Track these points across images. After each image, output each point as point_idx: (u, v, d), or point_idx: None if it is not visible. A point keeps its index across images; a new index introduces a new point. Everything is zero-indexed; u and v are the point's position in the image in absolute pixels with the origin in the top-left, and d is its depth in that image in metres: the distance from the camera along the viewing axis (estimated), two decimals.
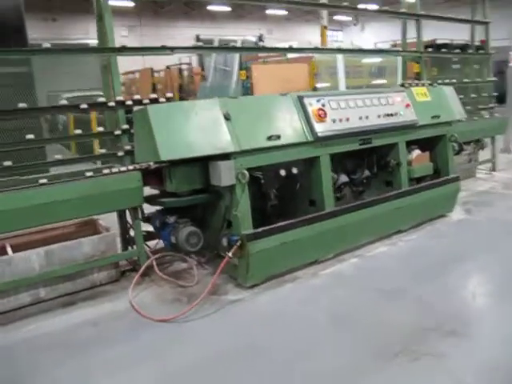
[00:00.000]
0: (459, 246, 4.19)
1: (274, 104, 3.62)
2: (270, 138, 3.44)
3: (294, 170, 3.65)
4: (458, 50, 9.00)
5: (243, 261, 3.44)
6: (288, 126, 3.58)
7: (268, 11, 21.54)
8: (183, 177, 3.48)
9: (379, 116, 4.11)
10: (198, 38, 19.40)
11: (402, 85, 5.38)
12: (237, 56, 11.22)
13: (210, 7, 20.02)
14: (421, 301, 3.18)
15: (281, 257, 3.59)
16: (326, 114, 3.74)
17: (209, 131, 3.28)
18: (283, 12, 21.78)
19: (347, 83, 11.24)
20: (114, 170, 3.52)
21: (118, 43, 3.77)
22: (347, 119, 3.88)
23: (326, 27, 12.23)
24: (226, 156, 3.31)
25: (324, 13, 12.48)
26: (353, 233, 4.04)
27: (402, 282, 3.50)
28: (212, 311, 3.20)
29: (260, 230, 3.44)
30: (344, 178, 4.21)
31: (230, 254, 3.32)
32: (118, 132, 3.67)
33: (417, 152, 4.74)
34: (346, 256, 4.05)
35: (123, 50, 3.76)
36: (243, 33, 20.34)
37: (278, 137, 3.48)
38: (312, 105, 3.73)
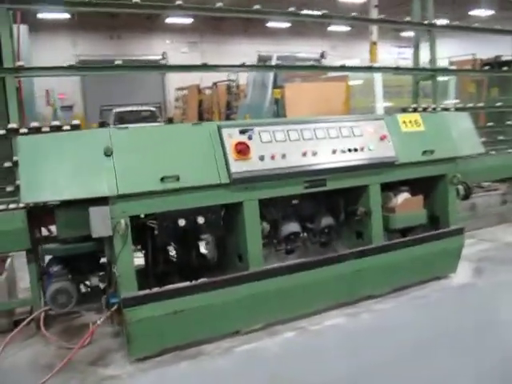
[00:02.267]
0: (446, 326, 3.06)
1: (181, 137, 2.86)
2: (163, 180, 2.70)
3: (200, 220, 2.85)
4: None
5: (124, 329, 2.73)
6: (195, 165, 2.78)
7: (330, 28, 20.63)
8: (67, 221, 2.85)
9: (335, 151, 3.16)
10: (258, 55, 19.11)
11: (404, 109, 4.37)
12: (271, 73, 10.54)
13: (269, 24, 19.59)
14: None
15: (179, 327, 2.78)
16: (248, 149, 2.88)
17: (86, 170, 2.61)
18: (346, 28, 20.74)
19: (391, 103, 10.08)
20: None
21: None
22: (283, 156, 2.97)
23: (375, 43, 11.17)
24: (104, 200, 2.64)
25: (374, 28, 11.48)
26: (292, 299, 3.11)
27: (340, 379, 2.57)
28: None
29: (142, 293, 2.70)
30: (293, 227, 3.31)
31: (99, 321, 2.64)
32: (8, 164, 3.15)
33: (404, 196, 3.68)
34: (281, 327, 3.11)
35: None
36: (304, 49, 19.65)
37: (177, 178, 2.72)
38: (232, 137, 2.91)
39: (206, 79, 16.52)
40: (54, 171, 2.60)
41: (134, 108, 14.98)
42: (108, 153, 2.62)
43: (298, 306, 3.17)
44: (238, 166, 2.84)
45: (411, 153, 3.48)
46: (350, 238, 3.56)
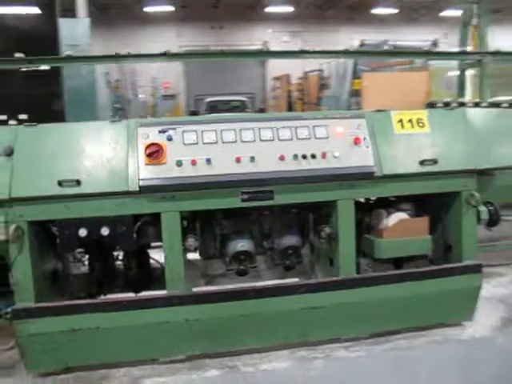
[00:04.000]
0: None
1: (95, 136, 2.46)
2: (61, 184, 2.35)
3: (105, 231, 2.43)
4: None
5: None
6: (103, 169, 2.36)
7: (444, 13, 18.26)
8: None
9: (283, 158, 2.48)
10: (362, 44, 17.83)
11: (431, 104, 3.43)
12: (349, 62, 9.57)
13: (374, 10, 18.06)
14: None
15: (78, 346, 2.43)
16: (161, 152, 2.37)
17: None
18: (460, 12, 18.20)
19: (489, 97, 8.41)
20: None
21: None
22: (208, 161, 2.39)
23: (475, 27, 9.41)
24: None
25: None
26: (222, 331, 2.56)
27: None
28: None
29: (35, 306, 2.39)
30: (244, 246, 2.73)
31: None
32: None
33: (399, 216, 2.82)
34: (209, 362, 2.57)
35: None
36: (414, 37, 17.79)
37: (77, 182, 2.35)
38: (148, 137, 2.43)
39: (307, 68, 15.90)
40: None
41: (225, 98, 15.00)
42: (8, 152, 2.36)
43: (231, 340, 2.60)
44: (148, 172, 2.36)
45: (403, 162, 2.62)
46: (325, 264, 2.87)
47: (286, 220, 2.83)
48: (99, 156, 2.41)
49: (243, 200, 2.49)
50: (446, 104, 3.38)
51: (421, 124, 2.72)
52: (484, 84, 3.58)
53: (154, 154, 2.35)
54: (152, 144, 2.36)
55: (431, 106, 3.38)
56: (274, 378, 2.49)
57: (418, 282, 2.71)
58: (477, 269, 2.76)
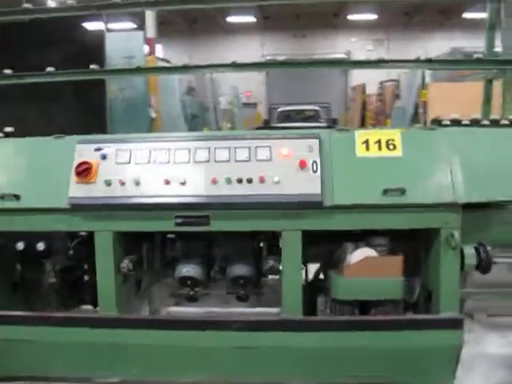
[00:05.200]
0: None
1: (41, 151, 2.41)
2: (3, 198, 2.36)
3: (40, 246, 2.39)
4: None
5: None
6: (43, 185, 2.32)
7: None
8: None
9: (215, 181, 2.23)
10: (453, 51, 16.43)
11: (436, 121, 2.92)
12: (418, 72, 8.76)
13: (466, 15, 16.44)
14: None
15: (14, 357, 2.42)
16: (90, 170, 2.24)
17: None
18: None
19: None
20: None
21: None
22: (136, 182, 2.24)
23: None
24: None
25: None
26: (143, 358, 2.37)
27: None
28: None
29: None
30: (190, 271, 2.49)
31: None
32: None
33: (365, 253, 2.40)
34: None
35: None
36: None
37: (16, 197, 2.34)
38: (83, 155, 2.33)
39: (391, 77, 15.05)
40: None
41: (298, 107, 14.78)
42: None
43: (151, 370, 2.41)
44: (78, 190, 2.27)
45: (361, 191, 2.22)
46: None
47: (240, 248, 2.57)
48: (39, 172, 2.38)
49: (177, 224, 2.29)
50: (454, 121, 2.86)
51: (391, 146, 2.29)
52: (507, 97, 2.92)
53: (84, 172, 2.26)
54: (82, 163, 2.27)
55: (436, 122, 2.89)
56: None
57: (377, 332, 2.28)
58: (455, 324, 2.24)
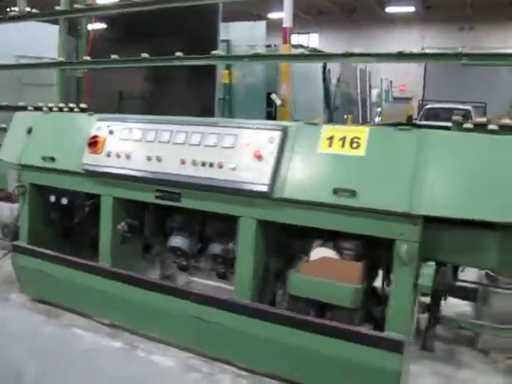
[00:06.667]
0: None
1: (79, 125, 2.92)
2: (44, 159, 2.94)
3: (64, 200, 2.93)
4: None
5: None
6: (72, 151, 2.84)
7: None
8: None
9: (184, 162, 2.39)
10: None
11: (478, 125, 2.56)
12: None
13: None
14: None
15: (51, 286, 3.03)
16: (98, 143, 2.65)
17: (20, 142, 3.17)
18: None
19: None
20: None
21: None
22: (127, 156, 2.56)
23: None
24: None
25: None
26: (127, 309, 2.74)
27: None
28: None
29: (25, 246, 3.10)
30: (178, 242, 2.74)
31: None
32: None
33: (322, 252, 2.29)
34: (122, 333, 2.79)
35: None
36: None
37: (52, 159, 2.90)
38: (101, 130, 2.74)
39: None
40: (15, 139, 3.34)
41: (447, 105, 13.37)
42: (29, 131, 3.15)
43: (134, 320, 2.77)
44: (89, 159, 2.73)
45: (313, 187, 2.15)
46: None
47: (222, 227, 2.72)
48: (70, 141, 2.91)
49: (156, 197, 2.58)
50: (477, 125, 2.48)
51: (355, 144, 2.14)
52: None
53: (93, 144, 2.71)
54: (94, 136, 2.72)
55: (457, 124, 2.54)
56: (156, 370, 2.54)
57: (311, 334, 2.20)
58: (392, 346, 2.02)
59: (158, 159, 2.50)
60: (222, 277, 2.77)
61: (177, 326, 2.61)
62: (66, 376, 2.41)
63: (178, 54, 4.13)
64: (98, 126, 2.79)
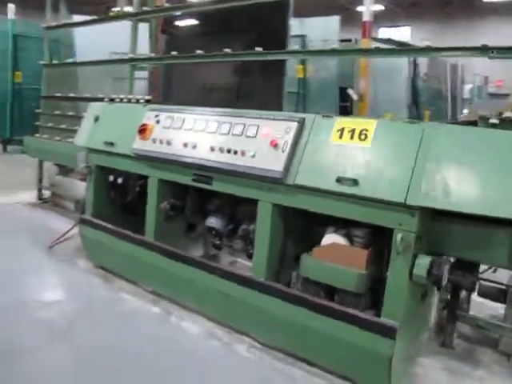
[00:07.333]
0: None
1: (135, 115, 3.28)
2: (106, 143, 3.38)
3: (120, 180, 3.34)
4: None
5: None
6: (127, 137, 3.22)
7: None
8: None
9: (213, 149, 2.63)
10: None
11: (484, 118, 2.51)
12: None
13: None
14: None
15: (109, 255, 3.50)
16: (146, 130, 2.99)
17: (89, 129, 3.63)
18: None
19: None
20: None
21: None
22: (168, 142, 2.87)
23: None
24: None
25: None
26: (165, 278, 3.07)
27: None
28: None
29: (90, 219, 3.59)
30: (213, 223, 3.00)
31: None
32: None
33: (332, 239, 2.40)
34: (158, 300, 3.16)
35: None
36: None
37: (112, 144, 3.32)
38: (149, 119, 3.09)
39: None
40: (86, 126, 3.82)
41: None
42: (96, 119, 3.63)
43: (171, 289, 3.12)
44: (138, 144, 3.10)
45: (321, 175, 2.27)
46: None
47: (250, 210, 2.92)
48: (126, 128, 3.28)
49: (193, 180, 2.88)
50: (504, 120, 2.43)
51: (363, 136, 2.23)
52: None
53: (142, 131, 3.08)
54: (143, 124, 3.09)
55: (483, 119, 2.51)
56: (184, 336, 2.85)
57: (314, 314, 2.35)
58: (387, 332, 2.09)
59: (194, 146, 2.79)
60: (250, 256, 2.99)
61: (205, 297, 2.89)
62: (108, 332, 2.83)
63: (258, 49, 4.27)
64: (148, 115, 3.16)
